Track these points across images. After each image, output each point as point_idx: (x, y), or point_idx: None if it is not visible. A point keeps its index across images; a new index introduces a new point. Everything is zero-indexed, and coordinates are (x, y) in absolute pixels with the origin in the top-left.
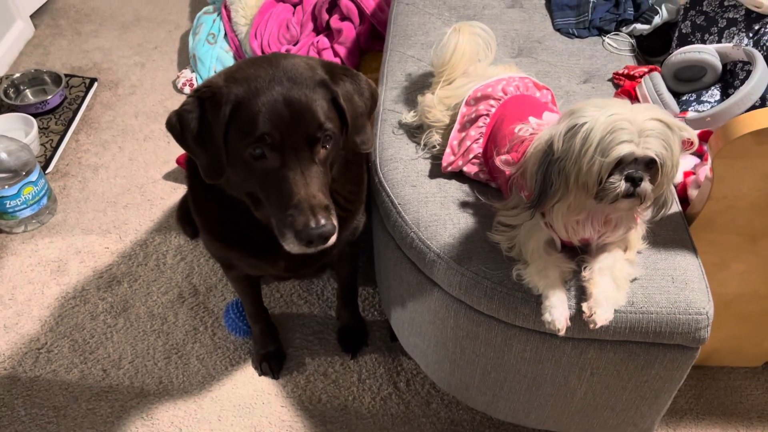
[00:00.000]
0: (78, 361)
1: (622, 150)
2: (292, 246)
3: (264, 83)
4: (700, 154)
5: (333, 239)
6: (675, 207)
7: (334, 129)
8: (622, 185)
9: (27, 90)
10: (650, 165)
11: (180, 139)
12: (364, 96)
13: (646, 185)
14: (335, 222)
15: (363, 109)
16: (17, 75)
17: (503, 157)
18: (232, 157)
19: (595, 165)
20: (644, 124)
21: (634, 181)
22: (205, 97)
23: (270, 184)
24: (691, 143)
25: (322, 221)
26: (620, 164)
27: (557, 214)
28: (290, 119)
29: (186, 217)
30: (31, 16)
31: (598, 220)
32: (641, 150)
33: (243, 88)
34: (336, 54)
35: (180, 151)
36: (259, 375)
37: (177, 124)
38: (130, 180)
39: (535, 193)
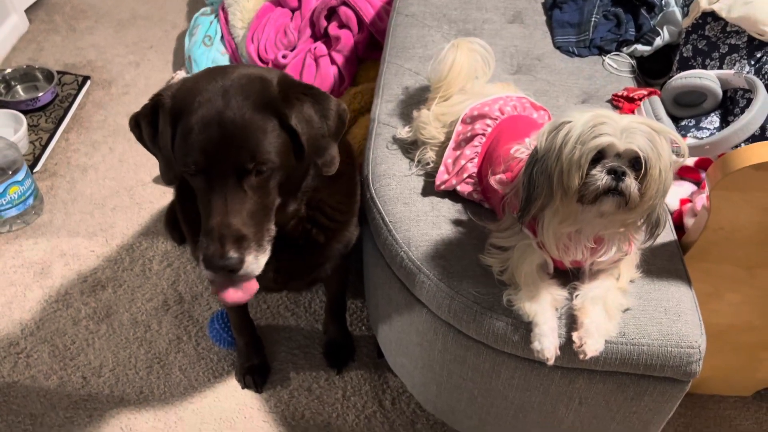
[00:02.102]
0: (57, 368)
1: (603, 141)
2: (201, 269)
3: (205, 99)
4: (697, 182)
5: (249, 270)
6: (670, 235)
7: (272, 157)
8: (604, 177)
9: (18, 86)
10: (636, 165)
11: (140, 140)
12: (328, 118)
13: (630, 182)
14: (248, 255)
15: (325, 131)
16: (9, 70)
17: (498, 176)
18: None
19: (575, 155)
20: (628, 123)
21: (616, 173)
22: (157, 104)
23: (201, 201)
24: (678, 145)
25: (230, 253)
26: (602, 159)
27: (547, 227)
28: (220, 144)
29: (174, 223)
30: (26, 11)
31: (588, 237)
32: (623, 143)
33: (185, 102)
34: (333, 61)
35: None
36: (242, 388)
37: (135, 127)
38: (119, 182)
39: (522, 198)
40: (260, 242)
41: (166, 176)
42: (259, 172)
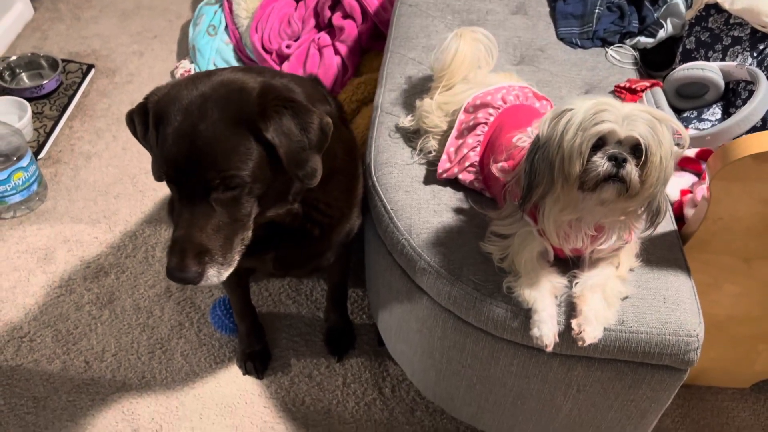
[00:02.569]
0: (60, 352)
1: (604, 127)
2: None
3: (183, 108)
4: (698, 173)
5: (211, 281)
6: (670, 225)
7: (242, 173)
8: (605, 164)
9: (23, 73)
10: (636, 152)
11: (134, 136)
12: (309, 131)
13: (630, 168)
14: (209, 269)
15: (305, 144)
16: (14, 58)
17: (499, 164)
18: None
19: (576, 141)
20: (630, 111)
21: (617, 160)
22: (146, 104)
23: (174, 208)
24: (680, 135)
25: (190, 267)
26: (603, 146)
27: (548, 215)
28: (189, 159)
29: None
30: None
31: (589, 225)
32: (625, 130)
33: (165, 110)
34: (337, 52)
35: None
36: (243, 374)
37: (130, 123)
38: (122, 170)
39: (524, 186)
40: (225, 255)
41: (155, 174)
42: (228, 188)
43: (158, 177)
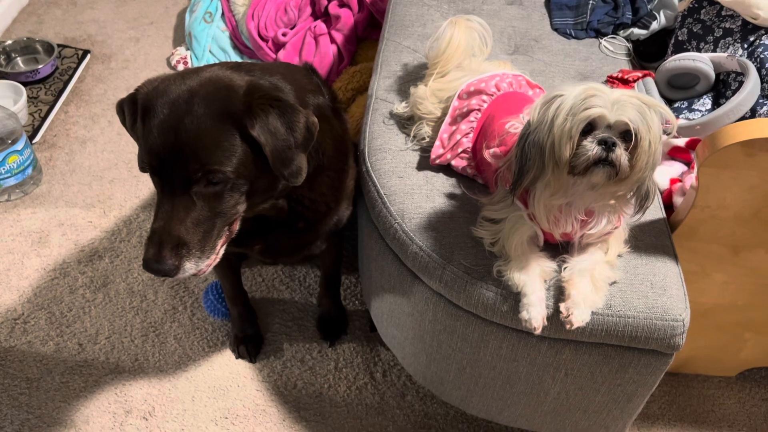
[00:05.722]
0: (54, 334)
1: (594, 112)
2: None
3: (170, 102)
4: (687, 162)
5: (189, 273)
6: (659, 213)
7: (225, 169)
8: (595, 148)
9: (18, 58)
10: (626, 137)
11: (123, 125)
12: (295, 130)
13: (620, 152)
14: (186, 262)
15: (291, 142)
16: (9, 42)
17: (492, 150)
18: None
19: (566, 126)
20: (619, 96)
21: (606, 144)
22: (136, 95)
23: (156, 200)
24: (669, 124)
25: (166, 260)
26: (593, 131)
27: (539, 199)
28: (172, 151)
29: None
30: None
31: (579, 210)
32: (614, 115)
33: (153, 103)
34: (333, 40)
35: None
36: (236, 358)
37: (120, 112)
38: (117, 155)
39: (515, 171)
40: (204, 249)
41: (140, 164)
42: (210, 183)
43: (142, 167)
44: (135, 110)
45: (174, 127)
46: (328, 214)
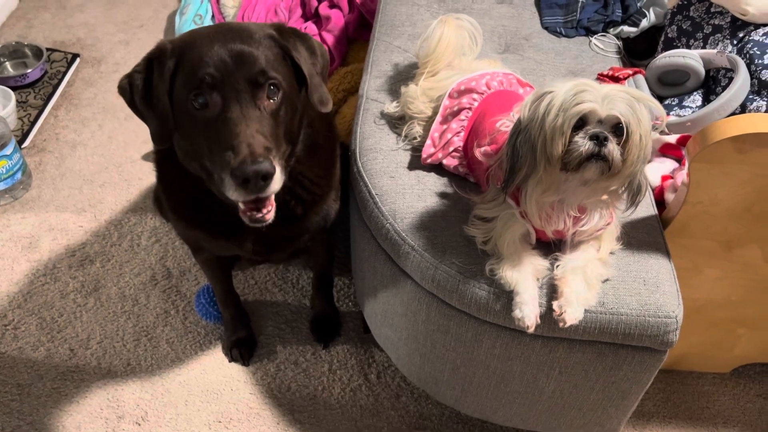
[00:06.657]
0: (45, 340)
1: (585, 107)
2: (231, 192)
3: (208, 38)
4: (678, 159)
5: (275, 185)
6: (651, 210)
7: (281, 80)
8: (587, 143)
9: (7, 62)
10: (617, 131)
11: (130, 101)
12: (316, 55)
13: (612, 147)
14: (276, 165)
15: (318, 68)
16: None
17: (483, 148)
18: (179, 115)
19: (558, 122)
20: (609, 90)
21: (598, 139)
22: (153, 56)
23: (213, 135)
24: (659, 121)
25: (260, 159)
26: (585, 126)
27: (530, 197)
28: (232, 62)
29: None
30: None
31: (571, 206)
32: (605, 109)
33: (187, 43)
34: (323, 41)
35: None
36: (229, 361)
37: (126, 86)
38: (108, 159)
39: (506, 169)
40: (280, 161)
41: (160, 134)
42: (271, 90)
43: (162, 138)
44: (150, 75)
45: (226, 46)
46: (323, 198)
